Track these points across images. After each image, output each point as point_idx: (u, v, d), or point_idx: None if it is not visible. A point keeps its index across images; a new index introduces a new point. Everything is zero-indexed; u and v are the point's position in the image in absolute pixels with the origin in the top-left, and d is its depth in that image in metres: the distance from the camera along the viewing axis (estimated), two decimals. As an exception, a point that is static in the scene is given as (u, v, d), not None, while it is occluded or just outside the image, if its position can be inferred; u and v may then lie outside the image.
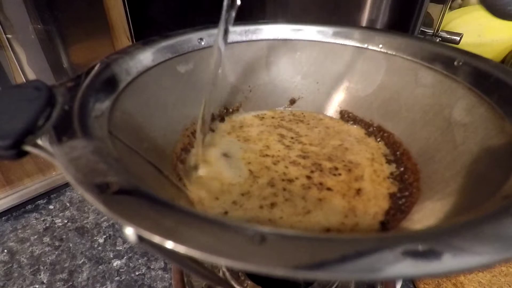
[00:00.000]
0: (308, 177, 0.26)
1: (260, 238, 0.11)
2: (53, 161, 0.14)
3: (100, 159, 0.14)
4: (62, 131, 0.16)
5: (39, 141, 0.16)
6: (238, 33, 0.32)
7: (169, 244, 0.11)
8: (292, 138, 0.30)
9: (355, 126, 0.32)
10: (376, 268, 0.10)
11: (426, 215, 0.19)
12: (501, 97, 0.21)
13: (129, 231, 0.11)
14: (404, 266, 0.10)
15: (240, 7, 0.21)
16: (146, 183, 0.17)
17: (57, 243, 0.40)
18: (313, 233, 0.19)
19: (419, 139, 0.26)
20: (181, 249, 0.10)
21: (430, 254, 0.10)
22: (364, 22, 0.48)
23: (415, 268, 0.10)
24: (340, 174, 0.26)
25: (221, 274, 0.28)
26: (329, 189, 0.24)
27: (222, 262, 0.10)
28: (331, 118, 0.33)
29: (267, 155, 0.28)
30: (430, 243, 0.11)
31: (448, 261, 0.10)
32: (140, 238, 0.12)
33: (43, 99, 0.17)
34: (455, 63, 0.25)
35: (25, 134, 0.15)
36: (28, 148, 0.15)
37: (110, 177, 0.13)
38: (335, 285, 0.28)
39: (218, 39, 0.22)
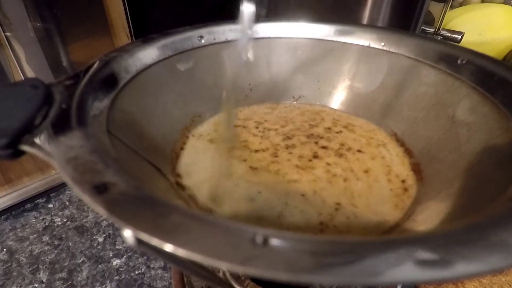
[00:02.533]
0: (324, 147, 0.27)
1: (262, 240, 0.11)
2: (50, 161, 0.14)
3: (98, 159, 0.14)
4: (60, 130, 0.16)
5: (36, 140, 0.15)
6: (238, 31, 0.31)
7: (169, 247, 0.10)
8: (257, 128, 0.30)
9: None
10: (380, 272, 0.10)
11: (429, 216, 0.18)
12: (506, 96, 0.21)
13: (128, 234, 0.11)
14: (408, 271, 0.10)
15: (240, 5, 0.21)
16: (145, 184, 0.16)
17: (56, 242, 0.39)
18: (314, 235, 0.19)
19: (422, 139, 0.26)
20: (181, 252, 0.10)
21: (434, 260, 0.10)
22: (365, 20, 0.48)
23: (419, 273, 0.10)
24: (341, 132, 0.28)
25: (221, 274, 0.28)
26: (359, 151, 0.27)
27: (223, 266, 0.10)
28: (335, 110, 0.33)
29: (257, 150, 0.27)
30: (435, 248, 0.11)
31: (453, 267, 0.10)
32: (139, 241, 0.11)
33: (41, 98, 0.17)
34: (459, 61, 0.25)
35: (22, 133, 0.15)
36: (25, 147, 0.15)
37: (108, 178, 0.13)
38: (335, 285, 0.28)
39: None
